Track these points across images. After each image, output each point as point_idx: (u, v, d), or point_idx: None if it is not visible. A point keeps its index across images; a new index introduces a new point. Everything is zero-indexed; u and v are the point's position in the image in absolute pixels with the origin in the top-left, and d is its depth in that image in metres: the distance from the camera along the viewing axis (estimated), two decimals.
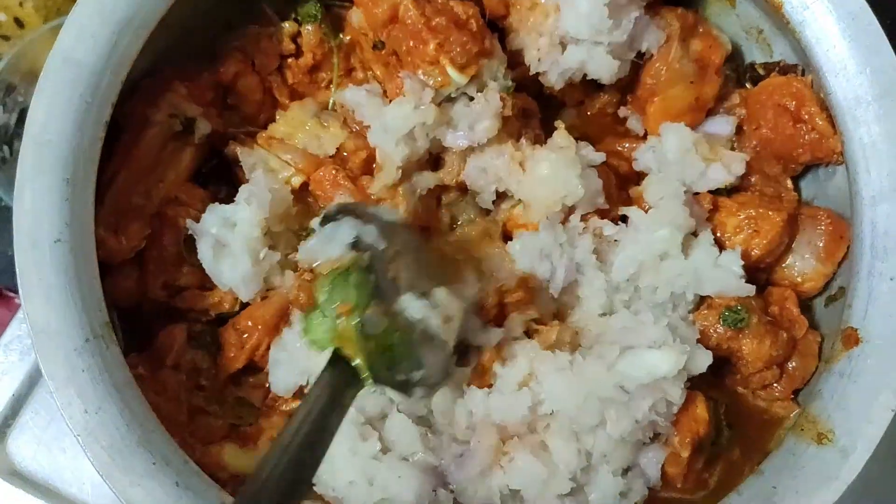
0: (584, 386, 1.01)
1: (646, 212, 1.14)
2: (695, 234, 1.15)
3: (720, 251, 1.13)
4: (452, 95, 1.12)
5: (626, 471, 1.05)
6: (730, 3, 1.27)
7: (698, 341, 1.08)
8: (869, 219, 1.06)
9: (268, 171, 1.13)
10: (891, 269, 1.03)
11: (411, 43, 1.09)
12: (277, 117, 1.20)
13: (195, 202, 1.12)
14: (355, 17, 1.18)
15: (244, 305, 1.13)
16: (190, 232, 1.09)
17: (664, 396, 1.03)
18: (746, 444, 1.12)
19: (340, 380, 0.87)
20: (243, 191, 1.09)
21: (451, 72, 1.10)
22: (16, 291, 1.11)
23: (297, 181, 1.15)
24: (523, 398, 1.02)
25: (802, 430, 1.02)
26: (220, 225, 1.07)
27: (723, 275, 1.11)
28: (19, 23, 1.36)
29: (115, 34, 1.01)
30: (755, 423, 1.14)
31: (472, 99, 1.11)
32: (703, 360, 1.06)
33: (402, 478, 1.01)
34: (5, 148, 1.35)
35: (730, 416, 1.14)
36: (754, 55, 1.28)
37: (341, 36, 1.22)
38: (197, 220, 1.09)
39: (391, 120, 1.10)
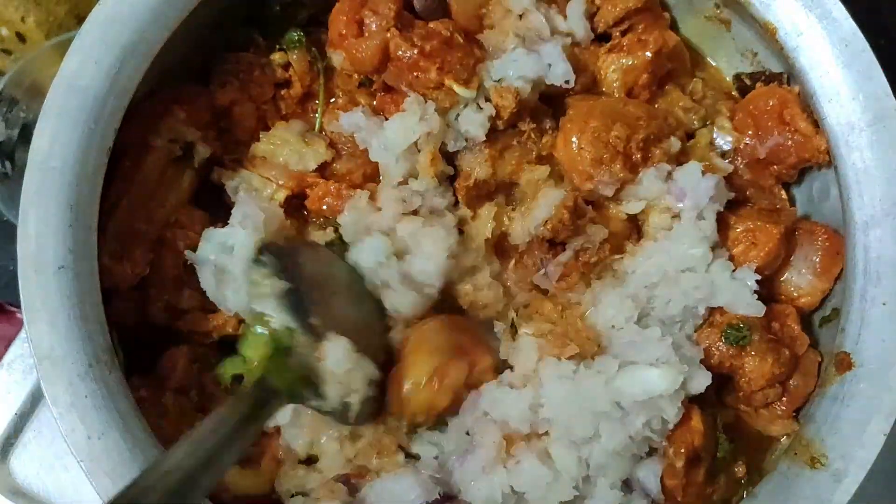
0: (580, 399, 1.02)
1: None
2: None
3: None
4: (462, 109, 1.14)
5: (625, 483, 1.06)
6: (725, 25, 1.28)
7: (701, 361, 1.09)
8: (862, 243, 1.07)
9: (250, 190, 1.14)
10: (883, 293, 1.04)
11: (414, 75, 1.10)
12: (261, 137, 1.19)
13: (195, 224, 1.12)
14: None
15: None
16: (190, 262, 1.08)
17: (659, 414, 1.04)
18: (749, 462, 1.13)
19: (259, 395, 0.98)
20: (236, 213, 1.09)
21: (459, 89, 1.12)
22: (17, 306, 1.11)
23: (280, 196, 1.15)
24: (525, 396, 1.04)
25: (796, 453, 1.03)
26: (218, 251, 1.07)
27: (737, 288, 1.12)
28: (21, 38, 1.36)
29: (119, 60, 1.02)
30: (757, 441, 1.15)
31: (480, 108, 1.13)
32: (703, 381, 1.06)
33: None
34: (7, 163, 1.34)
35: (732, 434, 1.14)
36: None
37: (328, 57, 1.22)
38: (196, 241, 1.09)
39: (391, 135, 1.11)
